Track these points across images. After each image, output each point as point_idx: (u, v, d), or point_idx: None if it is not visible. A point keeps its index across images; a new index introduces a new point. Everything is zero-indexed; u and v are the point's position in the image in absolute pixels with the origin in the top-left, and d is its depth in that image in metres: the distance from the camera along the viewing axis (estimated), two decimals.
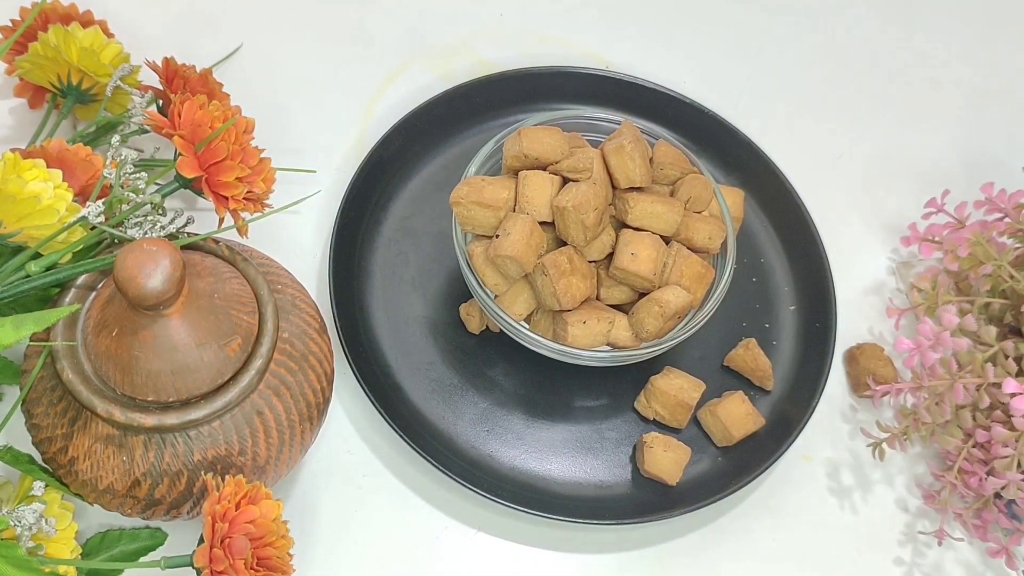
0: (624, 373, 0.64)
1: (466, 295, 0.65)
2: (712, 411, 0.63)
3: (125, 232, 0.54)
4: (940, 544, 0.62)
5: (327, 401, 0.56)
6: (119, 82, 0.63)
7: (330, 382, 0.56)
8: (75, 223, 0.53)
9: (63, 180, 0.54)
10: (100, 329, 0.50)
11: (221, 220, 0.55)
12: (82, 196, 0.57)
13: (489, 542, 0.61)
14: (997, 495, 0.61)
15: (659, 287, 0.60)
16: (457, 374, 0.65)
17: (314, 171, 0.69)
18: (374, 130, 0.72)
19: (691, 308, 0.61)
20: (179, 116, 0.53)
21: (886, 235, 0.75)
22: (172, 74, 0.60)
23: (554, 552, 0.61)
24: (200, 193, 0.54)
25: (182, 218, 0.56)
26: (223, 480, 0.48)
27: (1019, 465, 0.58)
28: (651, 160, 0.63)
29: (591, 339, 0.59)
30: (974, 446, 0.60)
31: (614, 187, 0.62)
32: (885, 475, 0.66)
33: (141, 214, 0.55)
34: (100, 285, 0.53)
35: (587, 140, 0.65)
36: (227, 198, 0.54)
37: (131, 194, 0.55)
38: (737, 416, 0.63)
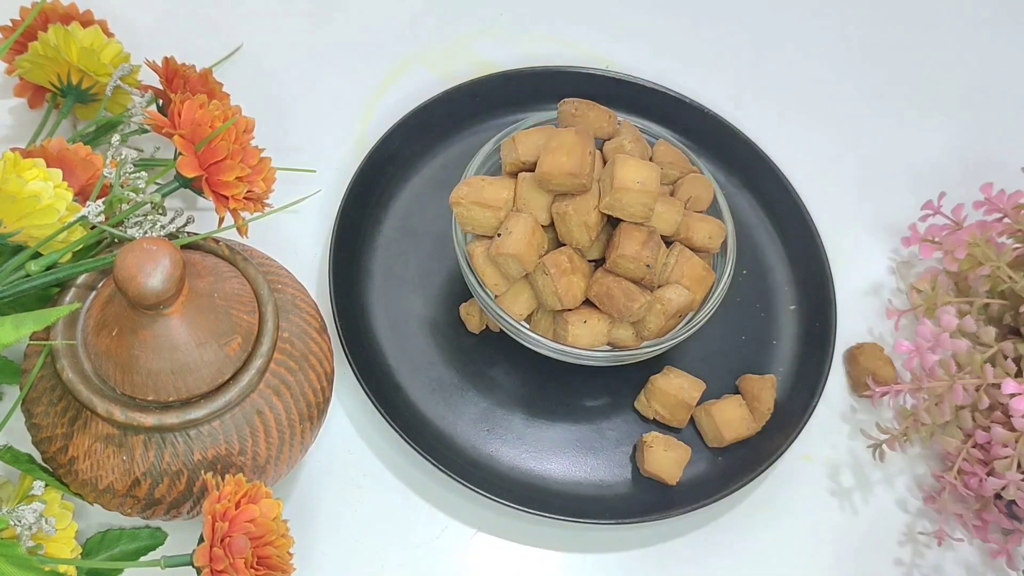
0: (624, 373, 0.64)
1: (466, 295, 0.65)
2: (707, 410, 0.63)
3: (125, 231, 0.54)
4: (940, 545, 0.62)
5: (327, 401, 0.56)
6: (119, 82, 0.63)
7: (330, 382, 0.56)
8: (75, 223, 0.53)
9: (63, 179, 0.54)
10: (100, 328, 0.50)
11: (221, 220, 0.55)
12: (82, 195, 0.57)
13: (489, 542, 0.61)
14: (997, 496, 0.61)
15: (659, 286, 0.60)
16: (457, 374, 0.65)
17: (314, 171, 0.69)
18: (374, 130, 0.72)
19: (691, 308, 0.61)
20: (179, 116, 0.53)
21: (886, 235, 0.75)
22: (172, 74, 0.60)
23: (554, 552, 0.61)
24: (200, 193, 0.54)
25: (182, 218, 0.56)
26: (223, 479, 0.48)
27: (1019, 465, 0.58)
28: (651, 160, 0.63)
29: (592, 338, 0.59)
30: (974, 447, 0.60)
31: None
32: (885, 476, 0.66)
33: (141, 213, 0.55)
34: (100, 284, 0.53)
35: None
36: (227, 197, 0.54)
37: (131, 193, 0.55)
38: (731, 419, 0.63)
